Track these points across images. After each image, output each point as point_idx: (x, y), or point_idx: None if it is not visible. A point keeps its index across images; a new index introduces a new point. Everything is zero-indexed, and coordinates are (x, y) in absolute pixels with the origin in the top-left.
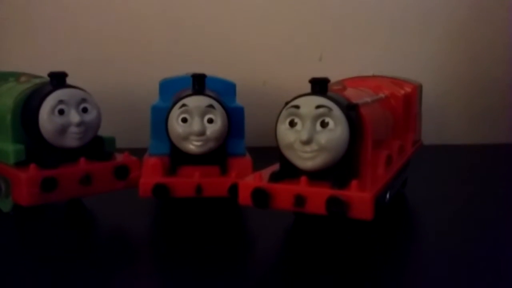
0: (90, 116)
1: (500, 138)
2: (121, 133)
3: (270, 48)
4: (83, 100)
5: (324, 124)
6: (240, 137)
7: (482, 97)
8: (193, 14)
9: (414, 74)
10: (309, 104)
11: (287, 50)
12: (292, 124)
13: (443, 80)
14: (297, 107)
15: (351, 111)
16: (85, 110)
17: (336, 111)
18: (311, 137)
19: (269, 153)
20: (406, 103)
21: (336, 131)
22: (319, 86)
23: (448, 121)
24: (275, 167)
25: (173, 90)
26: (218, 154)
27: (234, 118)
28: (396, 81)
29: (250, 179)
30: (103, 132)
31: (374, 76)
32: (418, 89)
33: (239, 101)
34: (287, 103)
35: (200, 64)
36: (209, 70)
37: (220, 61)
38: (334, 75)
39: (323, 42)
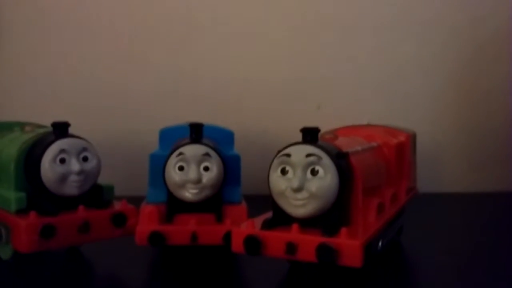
0: (90, 165)
1: (499, 187)
2: (121, 181)
3: (270, 96)
4: (84, 149)
5: (314, 172)
6: (236, 185)
7: (481, 146)
8: (193, 65)
9: (412, 122)
10: (300, 152)
11: (287, 99)
12: (283, 172)
13: (441, 128)
14: (288, 155)
15: (340, 159)
16: (85, 159)
17: (326, 159)
18: (302, 185)
19: (269, 201)
20: (399, 152)
21: (326, 179)
22: (310, 135)
23: (446, 169)
24: (269, 214)
25: (173, 138)
26: (214, 202)
27: (230, 166)
28: (390, 130)
29: (243, 227)
30: (104, 179)
31: (368, 125)
32: (411, 137)
33: (238, 149)
34: (279, 152)
35: (200, 113)
36: (209, 119)
37: (220, 110)
38: (332, 123)
39: (321, 91)
